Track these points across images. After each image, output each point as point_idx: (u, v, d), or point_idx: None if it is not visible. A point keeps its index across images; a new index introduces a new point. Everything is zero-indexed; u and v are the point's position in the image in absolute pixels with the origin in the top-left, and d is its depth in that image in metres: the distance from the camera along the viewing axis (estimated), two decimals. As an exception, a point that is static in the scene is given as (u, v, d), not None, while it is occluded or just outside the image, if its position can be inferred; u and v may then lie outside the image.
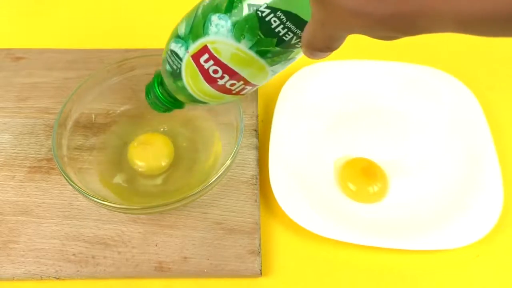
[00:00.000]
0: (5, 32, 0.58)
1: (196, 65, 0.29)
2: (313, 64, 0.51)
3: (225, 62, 0.28)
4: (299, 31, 0.25)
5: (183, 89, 0.32)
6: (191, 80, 0.31)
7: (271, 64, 0.28)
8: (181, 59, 0.30)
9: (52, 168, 0.44)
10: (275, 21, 0.25)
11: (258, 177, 0.44)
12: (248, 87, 0.31)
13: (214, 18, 0.28)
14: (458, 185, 0.43)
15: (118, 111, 0.46)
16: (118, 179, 0.43)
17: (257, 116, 0.47)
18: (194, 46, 0.29)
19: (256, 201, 0.42)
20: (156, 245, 0.40)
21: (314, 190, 0.43)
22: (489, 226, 0.40)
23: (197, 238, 0.40)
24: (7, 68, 0.51)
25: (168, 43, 0.32)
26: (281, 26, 0.25)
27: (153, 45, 0.54)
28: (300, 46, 0.26)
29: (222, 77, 0.29)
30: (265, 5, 0.25)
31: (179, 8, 0.60)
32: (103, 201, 0.36)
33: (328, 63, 0.51)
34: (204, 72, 0.30)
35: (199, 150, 0.44)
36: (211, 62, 0.29)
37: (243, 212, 0.41)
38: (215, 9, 0.28)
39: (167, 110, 0.38)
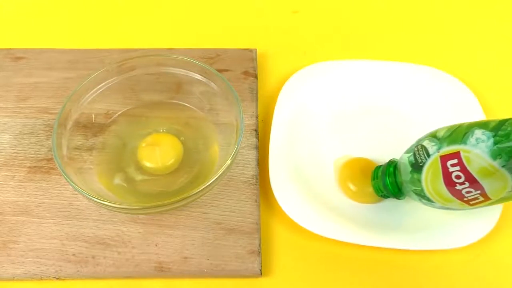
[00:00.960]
0: (5, 32, 0.58)
1: (442, 166, 0.33)
2: (313, 64, 0.51)
3: (472, 172, 0.31)
4: None
5: (418, 182, 0.35)
6: (430, 177, 0.34)
7: None
8: (429, 155, 0.34)
9: (52, 168, 0.44)
10: None
11: (258, 177, 0.44)
12: (481, 199, 0.33)
13: (478, 132, 0.31)
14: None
15: (118, 111, 0.46)
16: (118, 179, 0.43)
17: (257, 116, 0.48)
18: (447, 149, 0.33)
19: (256, 201, 0.42)
20: (156, 245, 0.40)
21: (314, 190, 0.43)
22: (489, 226, 0.40)
23: (197, 238, 0.40)
24: (7, 68, 0.51)
25: (422, 140, 0.37)
26: None
27: (153, 45, 0.54)
28: None
29: (462, 184, 0.32)
30: None
31: (179, 8, 0.60)
32: (103, 201, 0.36)
33: (328, 63, 0.51)
34: (447, 174, 0.33)
35: (199, 150, 0.44)
36: (457, 167, 0.32)
37: (243, 212, 0.41)
38: (482, 126, 0.31)
39: (385, 196, 0.41)
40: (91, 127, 0.44)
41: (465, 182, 0.32)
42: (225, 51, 0.52)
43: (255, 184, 0.43)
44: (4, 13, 0.60)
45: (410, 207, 0.43)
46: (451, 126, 0.34)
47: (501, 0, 0.62)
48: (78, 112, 0.43)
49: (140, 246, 0.40)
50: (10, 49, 0.53)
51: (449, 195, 0.34)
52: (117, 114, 0.46)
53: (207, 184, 0.37)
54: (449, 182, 0.33)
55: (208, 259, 0.39)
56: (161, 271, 0.39)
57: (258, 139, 0.46)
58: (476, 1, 0.62)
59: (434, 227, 0.41)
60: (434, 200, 0.35)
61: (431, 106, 0.49)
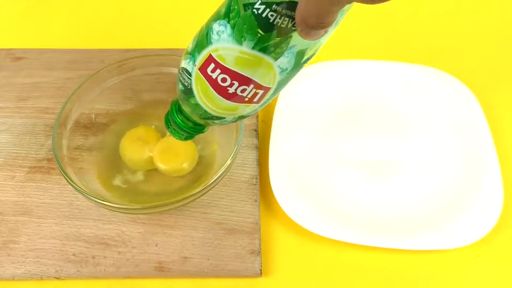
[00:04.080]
0: (5, 32, 0.58)
1: (205, 77, 0.29)
2: (313, 64, 0.51)
3: (231, 67, 0.28)
4: (294, 13, 0.25)
5: (197, 106, 0.32)
6: (203, 94, 0.31)
7: (276, 58, 0.28)
8: (190, 75, 0.30)
9: (52, 168, 0.44)
10: (272, 15, 0.25)
11: (258, 177, 0.44)
12: (260, 91, 0.30)
13: (215, 25, 0.28)
14: (458, 185, 0.43)
15: (118, 111, 0.46)
16: (118, 179, 0.43)
17: (257, 116, 0.48)
18: (200, 58, 0.29)
19: (256, 201, 0.42)
20: (156, 245, 0.40)
21: (314, 190, 0.43)
22: (489, 226, 0.40)
23: (197, 238, 0.40)
24: (7, 68, 0.51)
25: (180, 62, 0.32)
26: (278, 16, 0.25)
27: (153, 45, 0.54)
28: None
29: (231, 85, 0.29)
30: (259, 1, 0.25)
31: (179, 8, 0.60)
32: (103, 201, 0.36)
33: (328, 63, 0.51)
34: (213, 83, 0.29)
35: (199, 150, 0.44)
36: (218, 71, 0.29)
37: (243, 212, 0.41)
38: (216, 17, 0.28)
39: (188, 137, 0.38)
40: (91, 127, 0.44)
41: (233, 82, 0.29)
42: (225, 51, 0.52)
43: (255, 184, 0.43)
44: (4, 13, 0.60)
45: (410, 207, 0.43)
46: (196, 34, 0.31)
47: (501, 0, 0.62)
48: (78, 112, 0.43)
49: (140, 246, 0.40)
50: (11, 49, 0.53)
51: (229, 102, 0.30)
52: (117, 114, 0.46)
53: (207, 184, 0.37)
54: (220, 90, 0.29)
55: (208, 259, 0.39)
56: (161, 271, 0.39)
57: (258, 139, 0.46)
58: (476, 1, 0.62)
59: (434, 227, 0.41)
60: (222, 115, 0.32)
61: (431, 106, 0.49)
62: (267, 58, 0.28)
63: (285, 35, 0.26)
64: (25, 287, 0.39)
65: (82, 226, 0.41)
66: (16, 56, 0.52)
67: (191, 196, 0.36)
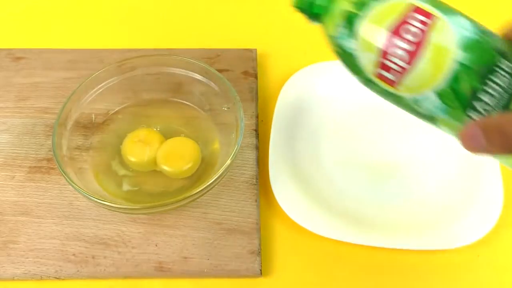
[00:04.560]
0: (5, 32, 0.58)
1: (404, 13, 0.26)
2: (313, 64, 0.51)
3: (426, 41, 0.25)
4: None
5: (361, 4, 0.27)
6: (381, 11, 0.26)
7: None
8: None
9: (52, 168, 0.44)
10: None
11: (258, 177, 0.44)
12: (397, 69, 0.26)
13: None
14: (458, 185, 0.43)
15: (118, 111, 0.46)
16: (118, 179, 0.43)
17: (257, 116, 0.47)
18: (423, 4, 0.26)
19: (256, 201, 0.42)
20: (156, 245, 0.40)
21: (314, 190, 0.43)
22: (489, 226, 0.40)
23: (197, 238, 0.40)
24: (7, 68, 0.51)
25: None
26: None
27: (153, 45, 0.54)
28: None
29: (405, 41, 0.26)
30: None
31: (179, 8, 0.60)
32: (103, 201, 0.36)
33: (328, 63, 0.51)
34: (401, 24, 0.26)
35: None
36: (419, 25, 0.26)
37: (243, 212, 0.41)
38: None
39: (302, 9, 0.31)
40: (91, 127, 0.44)
41: (410, 44, 0.25)
42: (225, 51, 0.52)
43: (255, 184, 0.43)
44: (4, 13, 0.60)
45: (410, 207, 0.43)
46: None
47: (501, 0, 0.62)
48: (78, 112, 0.43)
49: (140, 246, 0.40)
50: (10, 49, 0.53)
51: (378, 40, 0.26)
52: (117, 114, 0.46)
53: (207, 184, 0.37)
54: (396, 31, 0.26)
55: (208, 259, 0.39)
56: (161, 271, 0.39)
57: (258, 139, 0.46)
58: (476, 1, 0.62)
59: (434, 227, 0.41)
60: (355, 34, 0.27)
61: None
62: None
63: None
64: (25, 287, 0.39)
65: (82, 226, 0.41)
66: (16, 56, 0.52)
67: (191, 196, 0.36)
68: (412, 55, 0.26)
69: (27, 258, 0.39)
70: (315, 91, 0.50)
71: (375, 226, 0.41)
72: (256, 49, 0.53)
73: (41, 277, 0.39)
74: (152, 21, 0.59)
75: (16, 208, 0.42)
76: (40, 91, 0.49)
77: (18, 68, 0.51)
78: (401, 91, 0.28)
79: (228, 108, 0.43)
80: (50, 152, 0.45)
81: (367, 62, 0.28)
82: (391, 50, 0.26)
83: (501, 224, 0.40)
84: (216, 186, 0.39)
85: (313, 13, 0.31)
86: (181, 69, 0.45)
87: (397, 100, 0.30)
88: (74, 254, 0.39)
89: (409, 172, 0.45)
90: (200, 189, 0.36)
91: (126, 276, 0.39)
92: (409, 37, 0.26)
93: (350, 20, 0.28)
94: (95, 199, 0.36)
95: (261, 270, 0.39)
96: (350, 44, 0.28)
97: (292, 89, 0.49)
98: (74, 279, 0.39)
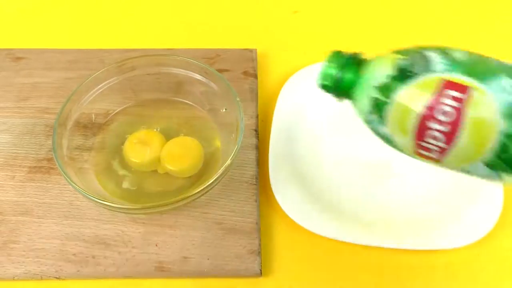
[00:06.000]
0: (5, 32, 0.58)
1: (436, 91, 0.25)
2: (313, 64, 0.51)
3: (465, 117, 0.24)
4: None
5: (388, 91, 0.26)
6: (412, 94, 0.25)
7: None
8: (428, 70, 0.25)
9: (52, 168, 0.44)
10: None
11: (258, 177, 0.44)
12: (435, 155, 0.26)
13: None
14: (458, 185, 0.43)
15: (118, 111, 0.46)
16: (118, 179, 0.43)
17: (257, 116, 0.48)
18: (455, 76, 0.25)
19: (256, 201, 0.42)
20: (156, 245, 0.40)
21: (314, 190, 0.43)
22: (489, 226, 0.40)
23: (197, 238, 0.40)
24: (7, 68, 0.51)
25: (426, 49, 0.26)
26: None
27: (153, 45, 0.54)
28: None
29: (439, 124, 0.25)
30: None
31: (179, 8, 0.60)
32: (103, 201, 0.36)
33: (328, 63, 0.51)
34: (433, 104, 0.25)
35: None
36: (454, 104, 0.24)
37: (243, 212, 0.41)
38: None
39: (327, 88, 0.32)
40: (91, 127, 0.45)
41: (446, 125, 0.24)
42: (225, 51, 0.52)
43: (255, 184, 0.43)
44: (4, 13, 0.60)
45: (410, 207, 0.43)
46: (472, 54, 0.26)
47: (501, 0, 0.62)
48: (78, 112, 0.43)
49: (140, 246, 0.40)
50: (10, 49, 0.53)
51: (410, 125, 0.25)
52: (117, 114, 0.46)
53: (207, 184, 0.37)
54: (429, 115, 0.25)
55: (208, 259, 0.39)
56: (161, 271, 0.39)
57: (258, 139, 0.46)
58: (476, 1, 0.62)
59: (434, 227, 0.41)
60: (386, 121, 0.26)
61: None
62: None
63: None
64: (25, 287, 0.39)
65: (82, 226, 0.41)
66: (16, 56, 0.52)
67: (191, 196, 0.36)
68: (449, 136, 0.25)
69: (27, 258, 0.39)
70: (315, 91, 0.50)
71: (375, 226, 0.41)
72: (256, 49, 0.53)
73: (41, 277, 0.39)
74: (152, 21, 0.59)
75: (16, 208, 0.42)
76: (40, 91, 0.49)
77: (18, 68, 0.51)
78: (445, 165, 0.27)
79: (226, 109, 0.43)
80: (50, 152, 0.45)
81: (404, 144, 0.27)
82: (425, 133, 0.25)
83: (501, 224, 0.40)
84: (216, 186, 0.39)
85: (341, 90, 0.31)
86: (181, 69, 0.45)
87: (445, 168, 0.28)
88: (74, 254, 0.39)
89: (409, 172, 0.45)
90: (200, 189, 0.36)
91: (126, 276, 0.39)
92: (443, 118, 0.24)
93: (378, 107, 0.27)
94: (95, 199, 0.36)
95: (261, 270, 0.39)
96: (383, 130, 0.27)
97: (292, 89, 0.49)
98: (74, 279, 0.39)
